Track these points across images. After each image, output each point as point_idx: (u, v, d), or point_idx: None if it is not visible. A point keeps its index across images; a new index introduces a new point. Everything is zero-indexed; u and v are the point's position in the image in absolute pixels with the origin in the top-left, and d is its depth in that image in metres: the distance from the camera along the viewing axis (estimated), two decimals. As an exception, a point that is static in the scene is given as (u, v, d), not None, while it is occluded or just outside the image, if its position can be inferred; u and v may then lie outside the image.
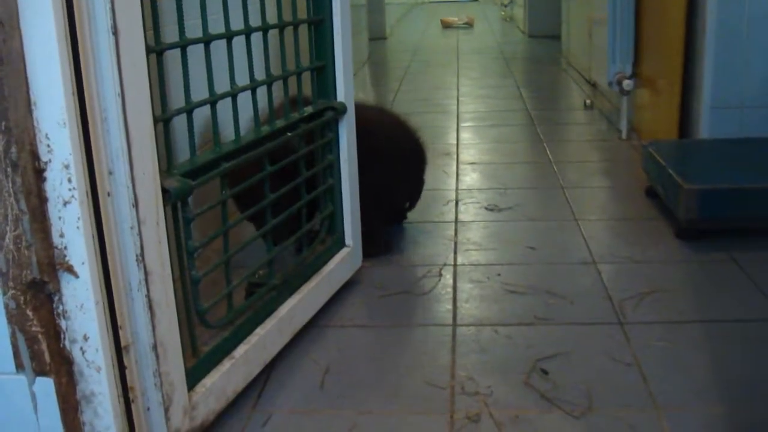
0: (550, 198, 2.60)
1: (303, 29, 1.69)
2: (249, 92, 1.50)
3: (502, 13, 10.48)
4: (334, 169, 1.82)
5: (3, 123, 1.00)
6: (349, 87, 1.80)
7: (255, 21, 1.50)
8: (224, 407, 1.39)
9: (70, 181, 1.03)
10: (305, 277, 1.72)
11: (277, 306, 1.59)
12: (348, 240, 1.90)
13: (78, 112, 1.02)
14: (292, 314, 1.61)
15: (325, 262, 1.80)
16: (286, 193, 1.62)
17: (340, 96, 1.79)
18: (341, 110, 1.78)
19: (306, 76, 1.72)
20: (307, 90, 1.74)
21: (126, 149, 1.07)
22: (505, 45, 7.20)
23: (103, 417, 1.13)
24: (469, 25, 9.30)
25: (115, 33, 1.03)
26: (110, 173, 1.08)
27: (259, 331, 1.50)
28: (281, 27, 1.61)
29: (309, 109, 1.71)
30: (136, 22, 1.08)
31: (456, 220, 2.42)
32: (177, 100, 1.33)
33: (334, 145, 1.81)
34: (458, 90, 4.80)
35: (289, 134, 1.60)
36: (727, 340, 1.63)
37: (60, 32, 0.98)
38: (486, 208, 2.51)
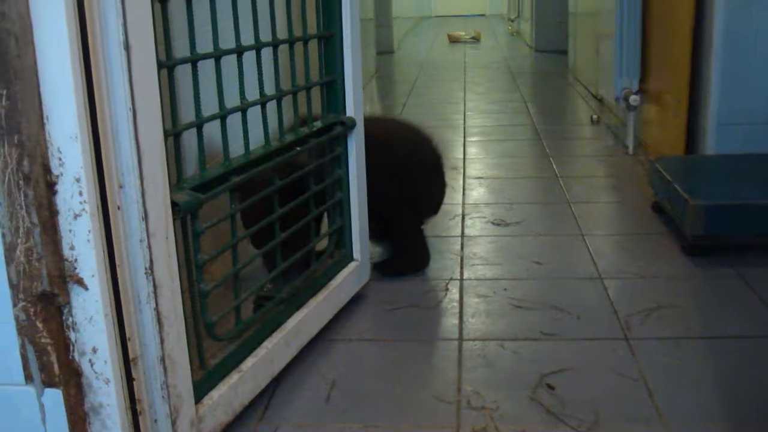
0: (557, 213, 2.60)
1: (312, 44, 1.70)
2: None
3: (509, 27, 10.51)
4: (342, 183, 1.83)
5: (15, 136, 1.01)
6: (358, 102, 1.81)
7: (265, 36, 1.52)
8: (231, 420, 1.39)
9: (80, 194, 1.04)
10: (313, 291, 1.72)
11: (285, 319, 1.59)
12: (356, 254, 1.91)
13: (89, 126, 1.03)
14: (300, 328, 1.62)
15: (332, 276, 1.81)
16: (295, 207, 1.63)
17: (350, 111, 1.80)
18: (350, 125, 1.78)
19: (315, 91, 1.73)
20: (316, 105, 1.75)
21: (136, 163, 1.08)
22: (511, 59, 7.22)
23: (111, 429, 1.13)
24: (476, 39, 9.33)
25: (127, 48, 1.04)
26: (120, 187, 1.09)
27: (267, 344, 1.51)
28: (291, 42, 1.62)
29: (318, 124, 1.72)
30: (148, 37, 1.09)
31: (462, 235, 2.42)
32: (187, 115, 1.34)
33: (343, 159, 1.82)
34: (465, 104, 4.81)
35: (298, 149, 1.61)
36: (734, 356, 1.63)
37: (73, 47, 0.99)
38: (492, 223, 2.52)
